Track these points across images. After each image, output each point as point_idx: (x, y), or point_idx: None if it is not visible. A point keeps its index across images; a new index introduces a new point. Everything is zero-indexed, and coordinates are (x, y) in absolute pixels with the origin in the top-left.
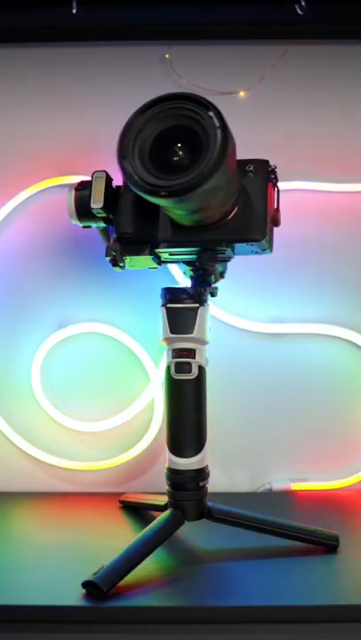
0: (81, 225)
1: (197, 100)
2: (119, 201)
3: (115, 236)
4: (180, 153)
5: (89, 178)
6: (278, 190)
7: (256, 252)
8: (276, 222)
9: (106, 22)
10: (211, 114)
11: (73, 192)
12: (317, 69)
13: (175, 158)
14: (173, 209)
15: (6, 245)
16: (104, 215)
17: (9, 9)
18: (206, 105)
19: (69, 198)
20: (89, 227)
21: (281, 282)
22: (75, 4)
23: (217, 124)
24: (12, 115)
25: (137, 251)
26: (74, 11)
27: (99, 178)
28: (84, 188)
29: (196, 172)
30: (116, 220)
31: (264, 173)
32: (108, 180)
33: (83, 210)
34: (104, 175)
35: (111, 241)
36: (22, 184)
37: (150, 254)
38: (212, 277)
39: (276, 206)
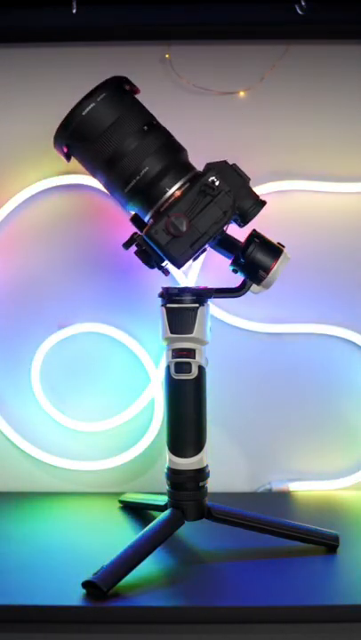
0: None
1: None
2: None
3: None
4: None
5: (89, 177)
6: (203, 204)
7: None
8: (168, 228)
9: (106, 22)
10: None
11: None
12: (317, 69)
13: None
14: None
15: (6, 245)
16: None
17: (9, 9)
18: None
19: None
20: None
21: (281, 282)
22: (75, 4)
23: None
24: (11, 114)
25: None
26: (74, 11)
27: None
28: None
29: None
30: None
31: (196, 178)
32: None
33: None
34: None
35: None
36: (23, 184)
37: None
38: None
39: (178, 215)
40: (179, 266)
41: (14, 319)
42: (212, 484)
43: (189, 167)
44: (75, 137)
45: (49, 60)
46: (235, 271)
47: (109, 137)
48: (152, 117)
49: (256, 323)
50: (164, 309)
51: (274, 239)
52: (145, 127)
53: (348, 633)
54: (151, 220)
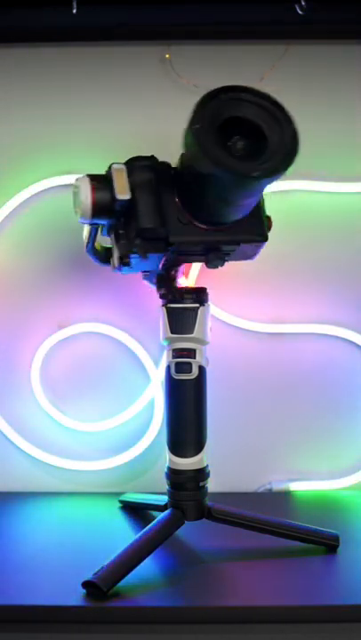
0: (88, 222)
1: (268, 97)
2: (137, 196)
3: (133, 232)
4: (241, 141)
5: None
6: None
7: (249, 257)
8: (269, 226)
9: (106, 22)
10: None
11: (89, 184)
12: (317, 69)
13: (235, 146)
14: (222, 198)
15: (6, 245)
16: (121, 209)
17: (9, 9)
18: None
19: (85, 191)
20: (95, 224)
21: (281, 282)
22: (75, 4)
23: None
24: (11, 114)
25: (155, 248)
26: (74, 11)
27: (119, 170)
28: (99, 181)
29: (280, 156)
30: (135, 214)
31: None
32: None
33: (102, 204)
34: (124, 167)
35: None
36: (22, 184)
37: (165, 251)
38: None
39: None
40: None
41: (14, 319)
42: (212, 484)
43: None
44: None
45: (49, 59)
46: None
47: None
48: None
49: (256, 323)
50: (164, 309)
51: (274, 239)
52: None
53: (348, 633)
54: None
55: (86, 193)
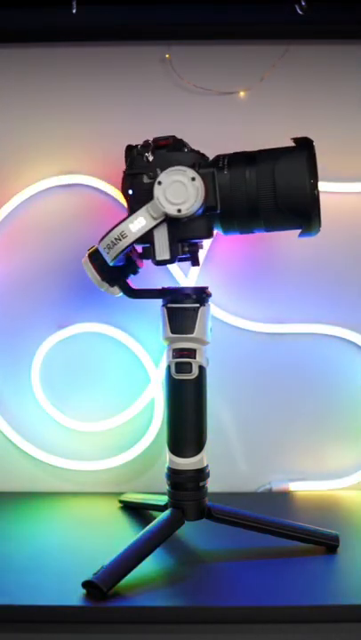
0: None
1: None
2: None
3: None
4: None
5: (88, 177)
6: None
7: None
8: None
9: (106, 22)
10: None
11: (90, 264)
12: (317, 69)
13: None
14: None
15: (6, 245)
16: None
17: (9, 9)
18: None
19: (89, 271)
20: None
21: (281, 282)
22: (75, 4)
23: None
24: (11, 114)
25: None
26: (74, 11)
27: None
28: (96, 257)
29: None
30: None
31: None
32: None
33: (105, 272)
34: None
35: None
36: (22, 184)
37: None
38: None
39: None
40: None
41: (14, 319)
42: (212, 484)
43: None
44: None
45: (49, 59)
46: None
47: None
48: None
49: (256, 323)
50: (164, 309)
51: (275, 239)
52: None
53: (347, 633)
54: None
55: (90, 271)
